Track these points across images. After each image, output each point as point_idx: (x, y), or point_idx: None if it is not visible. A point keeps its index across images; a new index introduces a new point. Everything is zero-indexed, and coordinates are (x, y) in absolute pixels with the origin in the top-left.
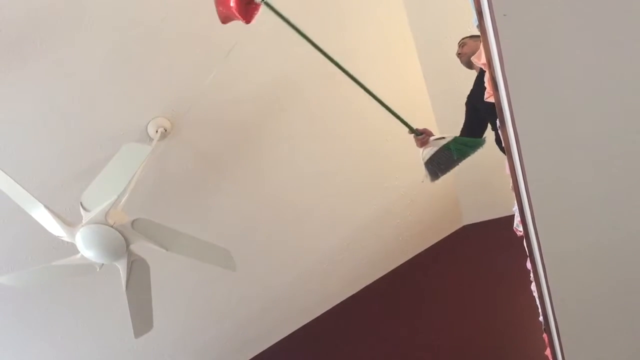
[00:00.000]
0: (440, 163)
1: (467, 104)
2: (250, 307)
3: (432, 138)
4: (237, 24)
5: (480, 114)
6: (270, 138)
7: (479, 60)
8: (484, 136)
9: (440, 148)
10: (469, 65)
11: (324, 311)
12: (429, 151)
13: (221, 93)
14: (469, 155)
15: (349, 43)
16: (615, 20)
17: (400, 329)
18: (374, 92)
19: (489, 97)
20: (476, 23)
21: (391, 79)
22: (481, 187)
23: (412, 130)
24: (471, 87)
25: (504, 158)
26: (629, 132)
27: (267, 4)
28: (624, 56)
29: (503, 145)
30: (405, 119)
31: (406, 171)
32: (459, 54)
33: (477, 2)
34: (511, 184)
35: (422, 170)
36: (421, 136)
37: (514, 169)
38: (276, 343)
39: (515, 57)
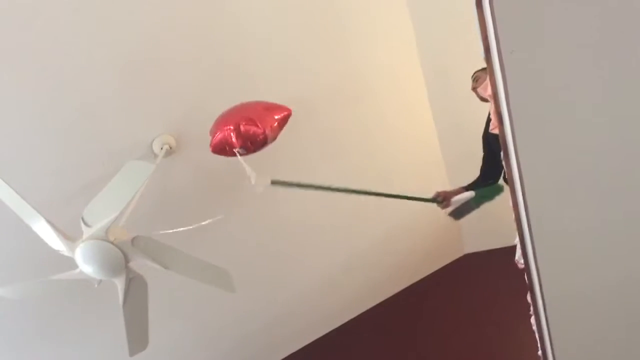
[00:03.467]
0: (462, 211)
1: (483, 137)
2: (247, 327)
3: (453, 199)
4: None
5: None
6: (277, 157)
7: (485, 92)
8: (500, 183)
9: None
10: (484, 99)
11: (321, 335)
12: (452, 208)
13: None
14: (488, 201)
15: (356, 71)
16: (621, 58)
17: (397, 356)
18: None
19: (493, 128)
20: (483, 55)
21: (398, 111)
22: (483, 216)
23: (432, 201)
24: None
25: (507, 188)
26: (634, 169)
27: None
28: (630, 94)
29: (506, 177)
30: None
31: None
32: (474, 89)
33: (485, 39)
34: (514, 216)
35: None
36: (442, 203)
37: (517, 203)
38: None
39: (521, 92)
